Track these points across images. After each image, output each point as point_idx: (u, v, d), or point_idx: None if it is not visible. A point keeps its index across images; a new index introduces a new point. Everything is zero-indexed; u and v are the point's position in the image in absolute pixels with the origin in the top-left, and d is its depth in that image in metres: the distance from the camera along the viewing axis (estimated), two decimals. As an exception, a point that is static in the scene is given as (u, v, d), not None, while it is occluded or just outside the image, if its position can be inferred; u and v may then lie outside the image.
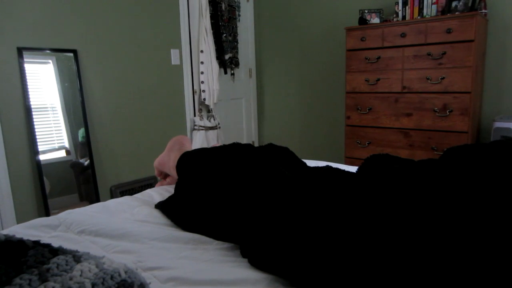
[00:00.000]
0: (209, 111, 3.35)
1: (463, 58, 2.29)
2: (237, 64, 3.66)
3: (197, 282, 0.77)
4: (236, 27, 3.60)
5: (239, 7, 3.62)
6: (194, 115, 3.31)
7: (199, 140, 3.24)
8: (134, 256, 0.89)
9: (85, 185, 2.55)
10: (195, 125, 3.28)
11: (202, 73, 3.20)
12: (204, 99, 3.25)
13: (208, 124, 3.30)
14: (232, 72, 3.64)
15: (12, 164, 2.19)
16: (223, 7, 3.41)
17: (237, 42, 3.63)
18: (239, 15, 3.64)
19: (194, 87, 3.26)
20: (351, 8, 3.17)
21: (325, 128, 3.55)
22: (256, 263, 0.83)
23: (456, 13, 2.39)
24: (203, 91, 3.23)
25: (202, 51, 3.17)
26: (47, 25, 2.31)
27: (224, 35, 3.46)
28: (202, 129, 3.27)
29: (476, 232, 0.63)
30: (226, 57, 3.53)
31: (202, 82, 3.22)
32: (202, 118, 3.30)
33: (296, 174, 1.04)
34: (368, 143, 2.77)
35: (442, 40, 2.35)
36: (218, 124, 3.38)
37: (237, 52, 3.65)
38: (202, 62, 3.18)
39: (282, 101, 3.83)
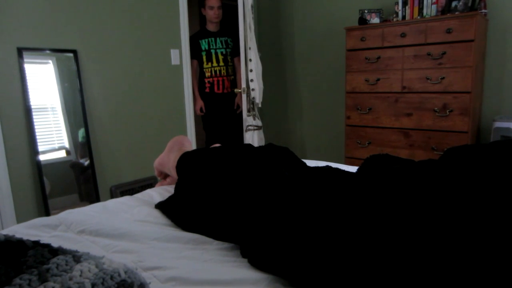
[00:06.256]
0: (250, 110, 3.19)
1: (463, 58, 2.29)
2: None
3: (197, 282, 0.77)
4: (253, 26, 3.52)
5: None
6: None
7: (257, 141, 3.08)
8: (134, 256, 0.89)
9: (85, 185, 2.55)
10: (248, 125, 3.13)
11: (251, 71, 3.08)
12: (254, 98, 3.11)
13: (259, 124, 3.19)
14: None
15: (12, 164, 2.19)
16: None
17: None
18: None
19: (243, 86, 3.15)
20: (351, 8, 3.17)
21: (325, 128, 3.55)
22: (256, 263, 0.83)
23: (456, 13, 2.39)
24: (253, 89, 3.10)
25: (250, 48, 3.06)
26: (47, 25, 2.31)
27: None
28: (256, 129, 3.14)
29: (476, 233, 0.63)
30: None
31: (251, 80, 3.09)
32: (255, 117, 3.15)
33: (296, 175, 1.04)
34: (368, 143, 2.77)
35: (442, 40, 2.35)
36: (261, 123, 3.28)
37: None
38: (250, 60, 3.07)
39: (282, 101, 3.83)
